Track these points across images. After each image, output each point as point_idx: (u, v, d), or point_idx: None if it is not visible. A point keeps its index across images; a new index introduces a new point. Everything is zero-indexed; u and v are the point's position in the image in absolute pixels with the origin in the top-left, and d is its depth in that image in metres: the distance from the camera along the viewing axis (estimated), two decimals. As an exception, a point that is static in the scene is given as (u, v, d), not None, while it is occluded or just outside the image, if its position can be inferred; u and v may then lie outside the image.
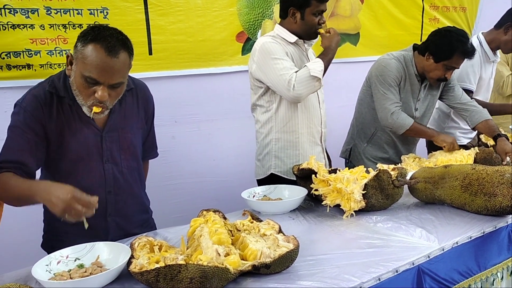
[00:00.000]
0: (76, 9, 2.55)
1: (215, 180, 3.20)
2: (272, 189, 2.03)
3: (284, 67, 2.12)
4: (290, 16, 2.27)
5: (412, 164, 2.41)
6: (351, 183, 1.78)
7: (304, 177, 1.98)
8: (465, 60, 2.41)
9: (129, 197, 1.78)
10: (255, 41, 2.53)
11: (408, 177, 1.89)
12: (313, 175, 1.87)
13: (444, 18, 4.48)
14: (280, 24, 2.34)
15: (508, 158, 2.28)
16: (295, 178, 2.07)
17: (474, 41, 2.88)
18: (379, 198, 1.78)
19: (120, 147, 1.72)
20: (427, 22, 4.39)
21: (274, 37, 2.27)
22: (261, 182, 2.37)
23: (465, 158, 2.22)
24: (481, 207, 1.66)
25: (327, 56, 2.21)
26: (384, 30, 4.02)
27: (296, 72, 2.11)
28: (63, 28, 2.52)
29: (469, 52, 2.36)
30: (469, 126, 2.59)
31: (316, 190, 1.85)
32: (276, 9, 3.41)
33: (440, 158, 2.33)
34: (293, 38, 2.28)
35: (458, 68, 2.44)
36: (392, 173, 1.81)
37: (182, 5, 2.91)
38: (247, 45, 3.29)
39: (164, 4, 2.84)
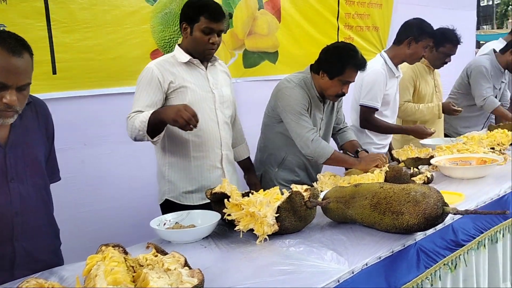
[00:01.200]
0: (-32, 26, 2.34)
1: (132, 206, 3.04)
2: (185, 215, 1.93)
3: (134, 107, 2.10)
4: (182, 31, 2.20)
5: (328, 183, 2.42)
6: (264, 206, 1.74)
7: (218, 201, 1.91)
8: (368, 77, 2.50)
9: (39, 218, 1.66)
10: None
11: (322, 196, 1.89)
12: (226, 200, 1.80)
13: (358, 37, 4.66)
14: (180, 43, 2.28)
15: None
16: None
17: (378, 59, 2.99)
18: (292, 221, 1.75)
19: (25, 164, 1.60)
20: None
21: (163, 61, 2.20)
22: (163, 208, 2.27)
23: (376, 176, 2.25)
24: (389, 225, 1.68)
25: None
26: (302, 48, 4.10)
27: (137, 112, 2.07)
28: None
29: (361, 65, 2.41)
30: (337, 144, 2.74)
31: (229, 215, 1.79)
32: (192, 27, 3.35)
33: (353, 176, 2.36)
34: (185, 57, 2.20)
35: (353, 81, 2.49)
36: (304, 194, 1.79)
37: (90, 22, 2.78)
38: (163, 63, 3.19)
39: (69, 20, 2.69)
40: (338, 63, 2.38)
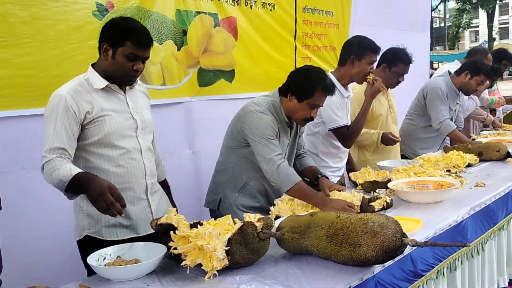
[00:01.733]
0: None
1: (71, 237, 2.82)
2: (127, 249, 1.78)
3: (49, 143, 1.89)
4: (102, 51, 1.99)
5: (286, 208, 2.31)
6: (214, 238, 1.61)
7: (164, 232, 1.76)
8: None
9: None
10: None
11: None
12: (172, 232, 1.66)
13: (316, 56, 4.64)
14: (95, 63, 2.06)
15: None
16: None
17: None
18: (244, 254, 1.63)
19: None
20: (299, 61, 4.50)
21: (76, 87, 1.97)
22: (83, 245, 2.05)
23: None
24: (347, 258, 1.58)
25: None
26: (259, 67, 4.02)
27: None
28: None
29: (329, 88, 2.36)
30: (296, 169, 2.60)
31: (175, 248, 1.65)
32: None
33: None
34: (101, 83, 1.99)
35: (322, 105, 2.43)
36: (257, 224, 1.67)
37: (31, 36, 2.59)
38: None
39: (7, 34, 2.50)
40: (308, 85, 2.31)
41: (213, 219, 1.79)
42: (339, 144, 2.96)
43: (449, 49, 31.77)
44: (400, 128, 3.90)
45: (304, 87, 2.32)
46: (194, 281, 1.57)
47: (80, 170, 1.81)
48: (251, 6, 3.96)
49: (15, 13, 2.53)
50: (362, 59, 2.86)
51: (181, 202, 2.56)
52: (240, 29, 3.88)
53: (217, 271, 1.59)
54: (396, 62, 3.34)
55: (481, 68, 3.55)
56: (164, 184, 2.41)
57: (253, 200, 2.49)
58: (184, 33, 3.48)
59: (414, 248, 1.78)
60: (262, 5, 4.05)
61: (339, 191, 2.39)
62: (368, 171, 2.81)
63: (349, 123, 2.89)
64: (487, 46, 24.42)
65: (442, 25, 35.75)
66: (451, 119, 3.71)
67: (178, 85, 3.47)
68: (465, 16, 36.16)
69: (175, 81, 3.44)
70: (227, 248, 1.59)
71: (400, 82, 3.44)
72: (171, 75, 3.40)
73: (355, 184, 2.77)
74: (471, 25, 40.35)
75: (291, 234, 1.72)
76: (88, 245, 1.96)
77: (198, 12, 3.57)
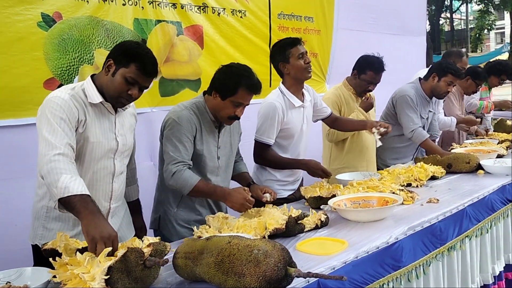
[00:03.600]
0: None
1: (18, 249, 2.75)
2: (18, 274, 1.68)
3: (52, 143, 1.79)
4: (105, 66, 1.93)
5: (217, 225, 2.18)
6: (94, 266, 1.50)
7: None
8: (261, 110, 2.33)
9: None
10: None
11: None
12: (52, 258, 1.56)
13: (295, 63, 4.49)
14: (95, 75, 2.01)
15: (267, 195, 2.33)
16: None
17: (274, 91, 2.81)
18: (126, 283, 1.50)
19: None
20: (276, 68, 4.37)
21: (77, 95, 1.90)
22: (35, 250, 2.02)
23: (257, 225, 2.01)
24: (233, 288, 1.45)
25: None
26: (228, 75, 3.90)
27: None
28: None
29: (253, 86, 2.25)
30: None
31: (54, 276, 1.54)
32: (97, 53, 3.15)
33: (238, 221, 2.13)
34: (97, 98, 1.93)
35: (247, 104, 2.31)
36: (145, 251, 1.55)
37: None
38: (61, 92, 2.97)
39: None
40: (231, 83, 2.22)
41: (123, 244, 1.69)
42: (289, 156, 2.81)
43: (472, 52, 31.03)
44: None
45: (227, 85, 2.23)
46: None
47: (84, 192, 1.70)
48: (219, 13, 3.86)
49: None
50: (287, 64, 2.74)
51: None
52: (206, 37, 3.79)
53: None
54: (366, 69, 3.20)
55: (447, 68, 3.35)
56: (136, 203, 2.37)
57: (194, 213, 2.39)
58: (144, 42, 3.40)
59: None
60: (231, 12, 3.95)
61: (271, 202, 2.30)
62: (322, 185, 2.65)
63: (272, 143, 2.73)
64: (509, 48, 23.68)
65: (465, 27, 35.00)
66: (423, 128, 3.52)
67: (137, 96, 3.38)
68: (488, 17, 35.26)
69: (133, 91, 3.35)
70: (106, 277, 1.47)
71: (369, 90, 3.29)
72: (128, 85, 3.31)
73: (304, 199, 2.62)
74: (496, 26, 39.34)
75: (185, 260, 1.60)
76: (40, 252, 1.87)
77: (159, 21, 3.49)
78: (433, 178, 2.96)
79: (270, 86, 4.32)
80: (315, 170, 2.73)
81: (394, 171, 3.00)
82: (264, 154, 2.72)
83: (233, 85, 2.22)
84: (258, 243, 1.47)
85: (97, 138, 1.95)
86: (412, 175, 2.85)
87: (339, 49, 5.01)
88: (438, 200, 2.45)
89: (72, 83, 2.99)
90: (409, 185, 2.81)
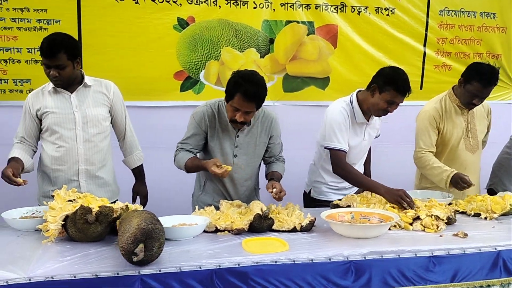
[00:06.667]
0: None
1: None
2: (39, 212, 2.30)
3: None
4: None
5: (225, 210, 2.36)
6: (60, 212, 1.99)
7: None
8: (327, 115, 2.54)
9: None
10: (197, 80, 3.39)
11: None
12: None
13: (461, 64, 3.96)
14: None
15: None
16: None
17: (344, 98, 2.69)
18: (73, 231, 1.92)
19: None
20: (430, 69, 4.03)
21: (36, 92, 2.55)
22: None
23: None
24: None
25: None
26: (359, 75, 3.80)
27: None
28: None
29: (248, 94, 2.26)
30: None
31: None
32: (224, 51, 3.63)
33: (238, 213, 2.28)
34: (50, 86, 2.51)
35: (244, 110, 2.31)
36: (94, 210, 1.94)
37: (113, 46, 3.40)
38: (187, 83, 3.60)
39: (96, 45, 3.37)
40: (230, 88, 2.34)
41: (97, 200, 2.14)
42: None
43: None
44: (497, 160, 3.08)
45: (228, 89, 2.34)
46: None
47: (15, 156, 2.45)
48: (359, 12, 3.80)
49: (104, 28, 3.37)
50: (382, 93, 2.49)
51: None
52: (341, 36, 3.80)
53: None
54: (472, 79, 2.67)
55: None
56: (137, 170, 2.78)
57: (212, 199, 2.62)
58: (271, 41, 3.70)
59: None
60: (375, 10, 3.82)
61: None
62: (364, 195, 2.49)
63: (347, 149, 2.59)
64: None
65: None
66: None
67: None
68: None
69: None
70: (62, 222, 1.95)
71: (474, 104, 2.76)
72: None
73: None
74: None
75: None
76: None
77: (289, 21, 3.71)
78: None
79: (421, 88, 4.01)
80: (457, 183, 2.58)
81: (473, 197, 2.51)
82: (338, 162, 2.56)
83: (231, 90, 2.32)
84: (140, 218, 1.69)
85: (56, 114, 2.47)
86: (486, 204, 2.34)
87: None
88: (466, 234, 2.00)
89: (199, 76, 3.61)
90: (477, 215, 2.33)
